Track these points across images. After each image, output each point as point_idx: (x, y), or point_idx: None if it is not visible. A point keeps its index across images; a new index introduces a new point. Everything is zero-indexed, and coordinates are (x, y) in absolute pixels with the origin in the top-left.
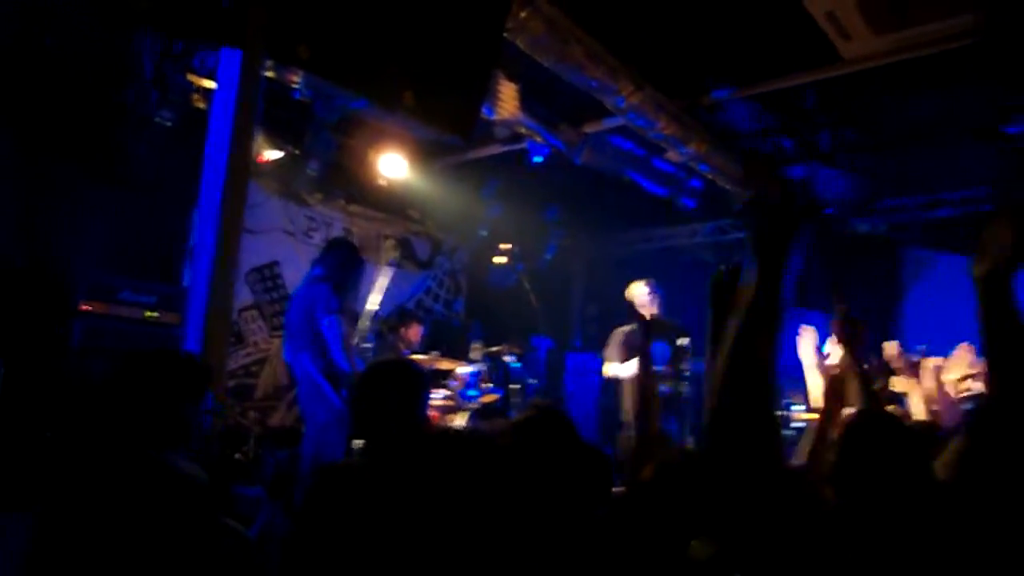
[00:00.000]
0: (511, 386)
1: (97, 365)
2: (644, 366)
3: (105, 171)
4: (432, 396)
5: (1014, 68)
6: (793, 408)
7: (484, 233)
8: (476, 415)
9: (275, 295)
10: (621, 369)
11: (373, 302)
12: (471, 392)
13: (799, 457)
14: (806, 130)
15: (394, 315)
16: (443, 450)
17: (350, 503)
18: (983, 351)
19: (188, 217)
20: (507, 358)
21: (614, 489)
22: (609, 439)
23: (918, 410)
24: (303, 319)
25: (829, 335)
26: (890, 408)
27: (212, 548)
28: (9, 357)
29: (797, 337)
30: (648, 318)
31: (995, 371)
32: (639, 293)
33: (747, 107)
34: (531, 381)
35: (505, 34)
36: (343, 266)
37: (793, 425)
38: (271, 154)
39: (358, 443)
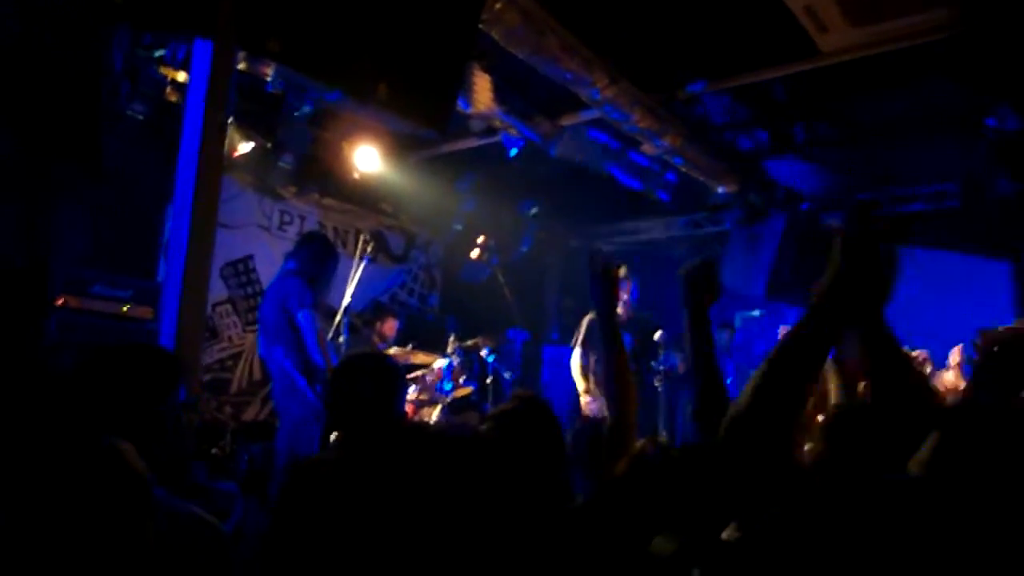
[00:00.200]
0: (486, 379)
1: (71, 360)
2: (615, 354)
3: (78, 166)
4: (407, 390)
5: (988, 63)
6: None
7: (459, 227)
8: (449, 408)
9: (249, 290)
10: (577, 364)
11: (347, 296)
12: (446, 386)
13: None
14: (781, 123)
15: (369, 309)
16: (419, 444)
17: (326, 497)
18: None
19: (163, 212)
20: (482, 352)
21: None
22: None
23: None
24: (277, 313)
25: None
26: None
27: (146, 527)
28: None
29: (778, 333)
30: (619, 312)
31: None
32: None
33: (723, 100)
34: (506, 374)
35: (480, 25)
36: (317, 260)
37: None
38: (244, 147)
39: (335, 437)
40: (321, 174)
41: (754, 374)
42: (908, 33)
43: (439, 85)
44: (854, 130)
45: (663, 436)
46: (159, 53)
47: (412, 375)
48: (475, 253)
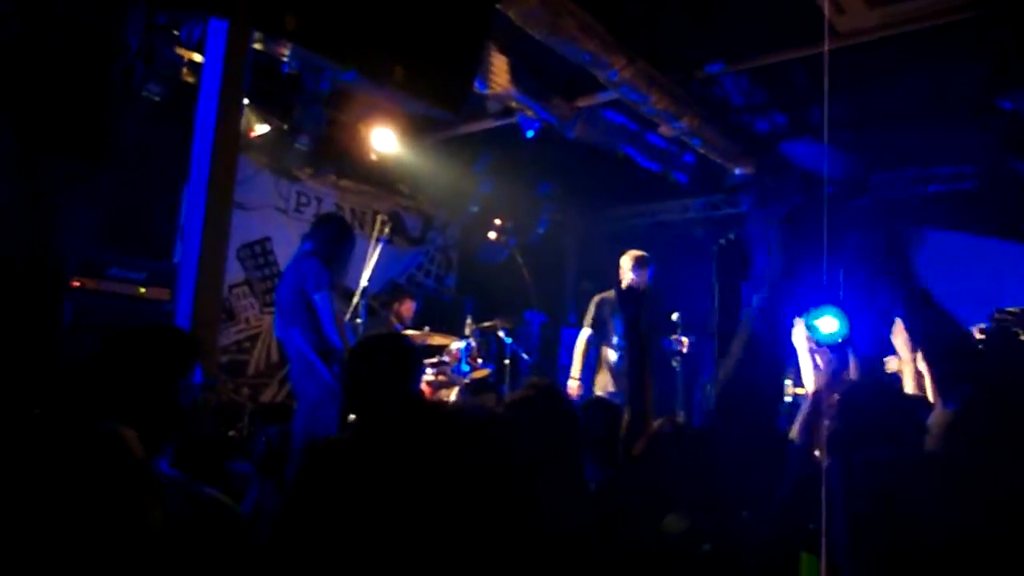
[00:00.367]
0: (504, 361)
1: (88, 341)
2: (639, 356)
3: (94, 147)
4: (424, 371)
5: (1005, 44)
6: (786, 382)
7: (476, 208)
8: (466, 390)
9: (267, 271)
10: (581, 341)
11: (364, 278)
12: (463, 367)
13: (792, 429)
14: (798, 105)
15: (386, 291)
16: (436, 424)
17: (342, 478)
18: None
19: (179, 193)
20: (499, 333)
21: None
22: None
23: (910, 385)
24: (294, 295)
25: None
26: None
27: (148, 510)
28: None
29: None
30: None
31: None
32: (622, 263)
33: (740, 82)
34: (524, 356)
35: (497, 6)
36: (334, 241)
37: (785, 399)
38: (260, 128)
39: (352, 419)
40: (338, 155)
41: (734, 344)
42: (924, 14)
43: (456, 66)
44: (871, 111)
45: (680, 416)
46: (175, 33)
47: (430, 358)
48: (492, 235)
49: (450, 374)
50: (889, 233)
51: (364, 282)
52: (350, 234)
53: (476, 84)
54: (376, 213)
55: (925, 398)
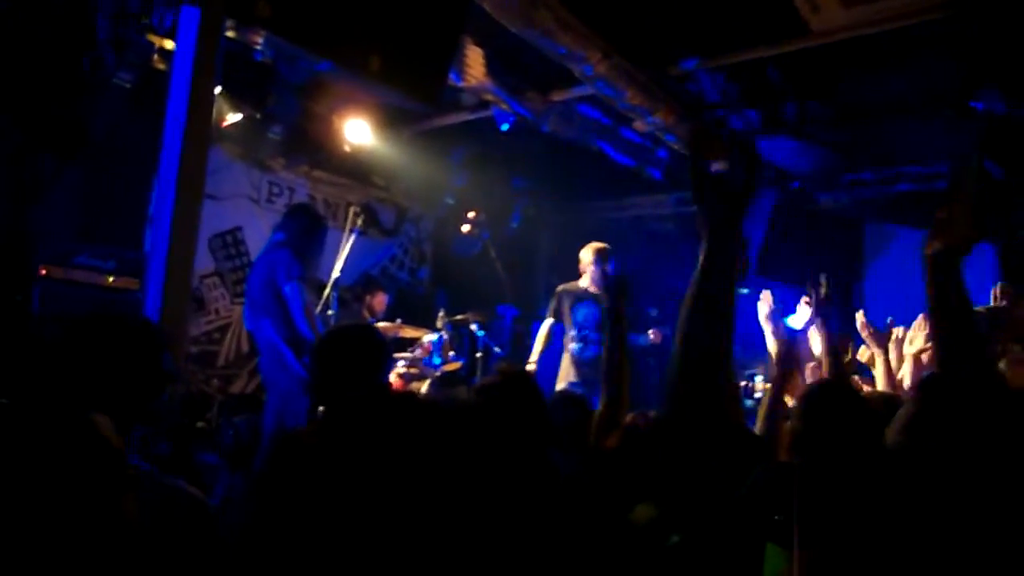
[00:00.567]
0: (476, 354)
1: (55, 330)
2: (619, 348)
3: (64, 135)
4: (396, 364)
5: (977, 45)
6: (756, 379)
7: (450, 201)
8: (438, 383)
9: (238, 262)
10: (542, 333)
11: (336, 269)
12: (435, 360)
13: (758, 422)
14: (772, 102)
15: (359, 283)
16: (403, 415)
17: (309, 469)
18: (931, 325)
19: (151, 182)
20: (472, 326)
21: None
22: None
23: (882, 380)
24: (264, 285)
25: (791, 304)
26: (855, 379)
27: (120, 501)
28: None
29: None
30: (588, 282)
31: (941, 345)
32: (583, 256)
33: (716, 79)
34: (496, 349)
35: None
36: (305, 232)
37: (756, 396)
38: (233, 117)
39: (321, 410)
40: (311, 146)
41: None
42: (899, 14)
43: (431, 58)
44: (845, 110)
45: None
46: (146, 20)
47: (401, 351)
48: (466, 228)
49: (422, 367)
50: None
51: (336, 273)
52: (322, 225)
53: (451, 77)
54: (349, 204)
55: (896, 395)
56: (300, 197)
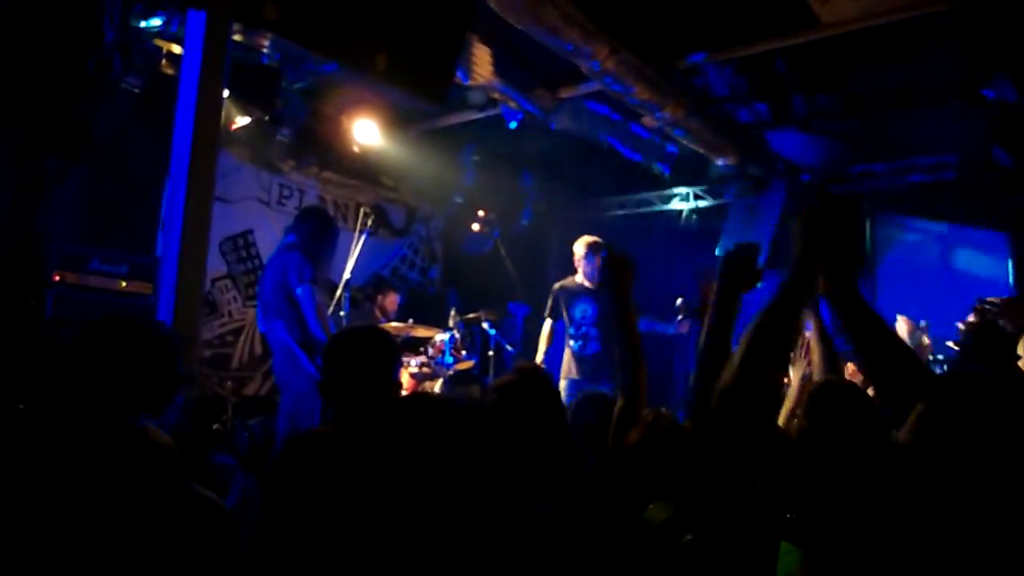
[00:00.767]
0: (488, 353)
1: (69, 335)
2: (630, 338)
3: (73, 140)
4: (408, 363)
5: (987, 34)
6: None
7: (459, 200)
8: (450, 381)
9: (249, 264)
10: (544, 335)
11: (347, 270)
12: (447, 359)
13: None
14: (781, 95)
15: (370, 283)
16: (416, 415)
17: (322, 470)
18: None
19: (160, 186)
20: (483, 325)
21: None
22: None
23: None
24: (276, 288)
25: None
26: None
27: (182, 515)
28: None
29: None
30: (582, 277)
31: (875, 375)
32: (575, 250)
33: (724, 72)
34: (508, 347)
35: None
36: (316, 234)
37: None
38: (241, 120)
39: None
40: (320, 147)
41: (737, 349)
42: (907, 4)
43: (438, 57)
44: (854, 101)
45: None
46: (152, 24)
47: (413, 350)
48: (476, 226)
49: (434, 366)
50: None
51: (347, 274)
52: (333, 227)
53: (458, 75)
54: (359, 205)
55: None
56: (310, 199)
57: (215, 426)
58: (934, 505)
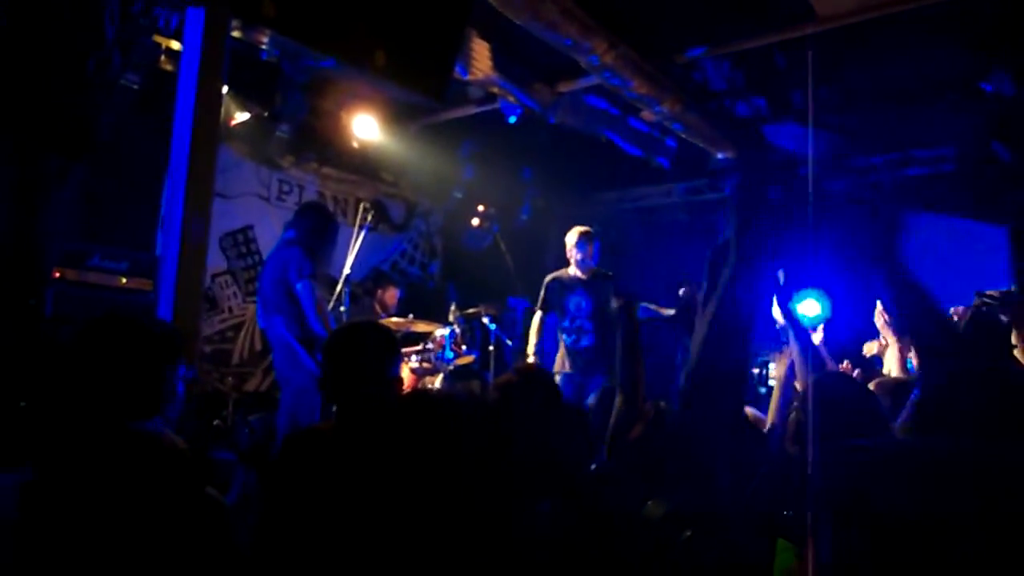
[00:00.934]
0: (488, 347)
1: (69, 332)
2: (628, 322)
3: (73, 137)
4: (408, 358)
5: (986, 27)
6: (771, 366)
7: (459, 195)
8: (451, 376)
9: (249, 260)
10: (534, 328)
11: (347, 265)
12: (447, 354)
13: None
14: (779, 88)
15: (370, 278)
16: (416, 412)
17: (322, 467)
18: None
19: (160, 182)
20: (483, 319)
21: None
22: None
23: (894, 367)
24: (276, 283)
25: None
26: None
27: (196, 518)
28: None
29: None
30: (575, 268)
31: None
32: (567, 240)
33: (721, 66)
34: (508, 342)
35: None
36: (316, 229)
37: (771, 383)
38: (241, 116)
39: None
40: (319, 143)
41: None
42: None
43: (437, 52)
44: (852, 95)
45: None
46: (151, 21)
47: (413, 345)
48: (475, 221)
49: (434, 361)
50: (877, 216)
51: (347, 270)
52: (333, 222)
53: (457, 70)
54: (359, 200)
55: (908, 381)
56: (310, 194)
57: (215, 422)
58: (934, 498)
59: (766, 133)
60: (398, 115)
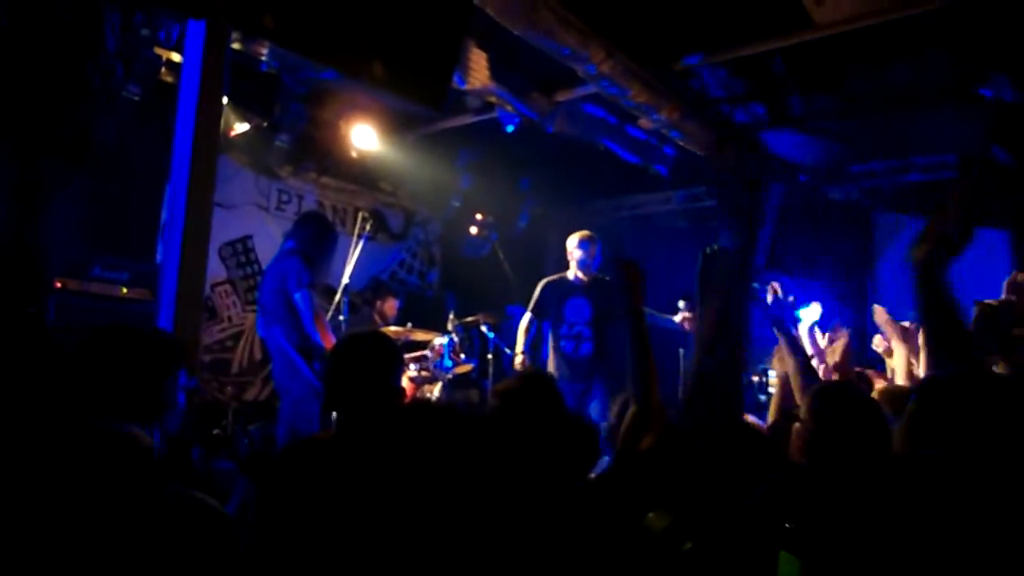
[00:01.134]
0: (487, 356)
1: (71, 342)
2: (641, 346)
3: (75, 148)
4: (407, 367)
5: (984, 32)
6: (770, 373)
7: (457, 204)
8: (449, 385)
9: (248, 270)
10: (522, 327)
11: (346, 275)
12: (446, 363)
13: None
14: (778, 96)
15: (369, 288)
16: (418, 422)
17: (321, 478)
18: (922, 328)
19: (161, 193)
20: (482, 328)
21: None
22: None
23: (902, 373)
24: (275, 293)
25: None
26: (869, 372)
27: (168, 517)
28: None
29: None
30: (575, 271)
31: (934, 347)
32: (568, 244)
33: (719, 74)
34: (507, 350)
35: (475, 1)
36: (315, 239)
37: (770, 390)
38: (240, 127)
39: (335, 416)
40: (318, 153)
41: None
42: (903, 2)
43: (434, 62)
44: (851, 101)
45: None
46: (152, 33)
47: (412, 353)
48: (474, 230)
49: (433, 370)
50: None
51: (346, 279)
52: (332, 231)
53: (455, 80)
54: (357, 210)
55: (905, 390)
56: (309, 204)
57: (215, 431)
58: (933, 512)
59: (765, 140)
60: (396, 125)
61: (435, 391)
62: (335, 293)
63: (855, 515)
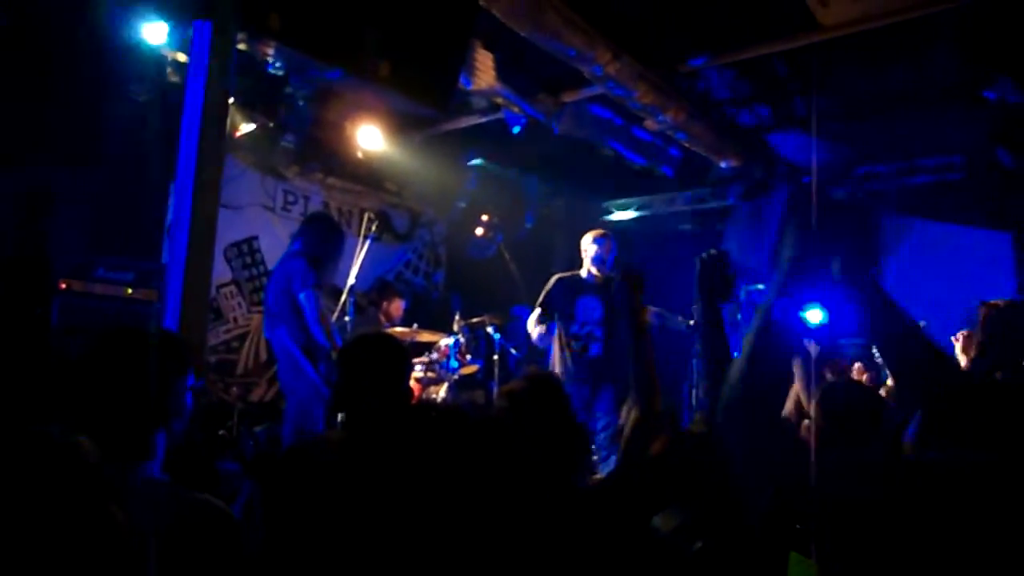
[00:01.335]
0: (493, 357)
1: (76, 343)
2: (644, 351)
3: (81, 148)
4: (413, 368)
5: (988, 35)
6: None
7: (463, 204)
8: (455, 386)
9: (254, 271)
10: (531, 323)
11: (352, 276)
12: (452, 364)
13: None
14: (783, 97)
15: (375, 289)
16: (425, 422)
17: (325, 478)
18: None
19: (166, 193)
20: (488, 329)
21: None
22: None
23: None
24: (281, 294)
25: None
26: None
27: (90, 529)
28: None
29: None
30: (588, 267)
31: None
32: (582, 243)
33: (725, 75)
34: (512, 351)
35: (481, 3)
36: (322, 240)
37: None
38: (246, 127)
39: (341, 417)
40: (324, 153)
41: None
42: (908, 5)
43: (441, 63)
44: (856, 103)
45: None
46: (159, 33)
47: (418, 355)
48: (480, 231)
49: (439, 371)
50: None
51: (352, 280)
52: (338, 233)
53: (461, 81)
54: (363, 211)
55: None
56: (314, 204)
57: (221, 432)
58: (942, 514)
59: (770, 142)
60: (402, 125)
61: (441, 392)
62: (341, 294)
63: (866, 516)
